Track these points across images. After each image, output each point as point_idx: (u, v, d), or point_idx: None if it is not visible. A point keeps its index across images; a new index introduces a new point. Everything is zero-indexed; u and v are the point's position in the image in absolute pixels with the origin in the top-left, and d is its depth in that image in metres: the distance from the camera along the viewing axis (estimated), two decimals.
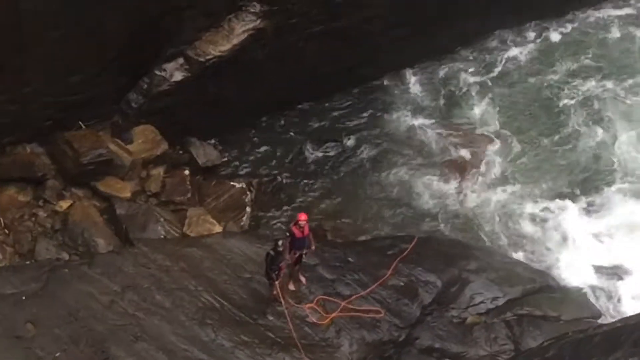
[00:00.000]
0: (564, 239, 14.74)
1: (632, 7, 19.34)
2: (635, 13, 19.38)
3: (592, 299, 13.88)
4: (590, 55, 17.95)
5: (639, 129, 16.49)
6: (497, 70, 17.51)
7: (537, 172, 15.45)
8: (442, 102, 16.72)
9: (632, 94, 17.08)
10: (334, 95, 16.35)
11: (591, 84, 17.17)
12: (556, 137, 16.17)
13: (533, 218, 14.94)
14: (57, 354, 11.13)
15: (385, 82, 16.75)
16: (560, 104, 16.72)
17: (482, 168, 15.56)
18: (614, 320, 12.67)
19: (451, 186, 15.35)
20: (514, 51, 17.91)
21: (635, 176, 16.01)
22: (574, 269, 14.30)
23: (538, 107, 16.78)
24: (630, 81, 17.36)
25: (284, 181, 15.15)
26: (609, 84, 17.24)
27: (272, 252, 11.46)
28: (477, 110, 16.58)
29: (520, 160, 15.76)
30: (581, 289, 14.05)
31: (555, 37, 18.21)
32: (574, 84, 17.16)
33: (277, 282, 11.73)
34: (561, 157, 15.92)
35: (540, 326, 12.98)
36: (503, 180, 15.40)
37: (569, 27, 18.96)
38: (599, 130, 16.26)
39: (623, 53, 18.02)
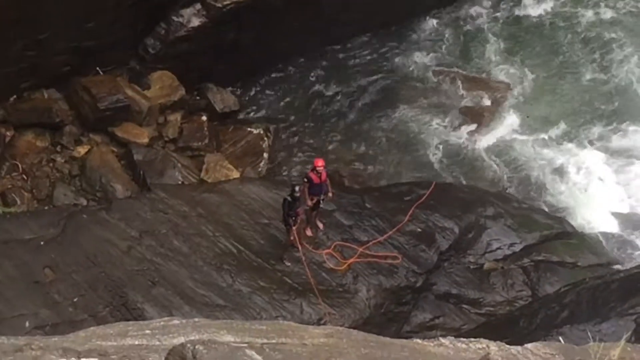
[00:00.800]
0: (582, 184, 14.43)
1: None
2: None
3: (609, 246, 13.56)
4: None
5: None
6: (515, 15, 16.89)
7: (555, 118, 15.03)
8: (459, 48, 16.31)
9: None
10: (352, 41, 15.98)
11: (610, 32, 16.57)
12: (574, 82, 15.75)
13: (550, 164, 14.52)
14: (75, 299, 11.13)
15: (402, 29, 16.32)
16: (579, 50, 16.21)
17: (499, 114, 15.18)
18: (630, 267, 12.54)
19: (468, 132, 14.96)
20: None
21: None
22: (591, 215, 14.02)
23: (556, 52, 16.26)
24: None
25: (302, 127, 14.90)
26: (627, 33, 16.62)
27: (289, 198, 11.26)
28: (494, 56, 16.13)
29: (538, 106, 15.38)
30: (598, 235, 13.75)
31: None
32: (594, 30, 16.60)
33: (294, 228, 11.53)
34: (579, 102, 15.52)
35: (558, 272, 12.72)
36: (520, 126, 14.94)
37: None
38: (619, 74, 15.73)
39: None
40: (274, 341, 4.36)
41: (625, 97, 15.50)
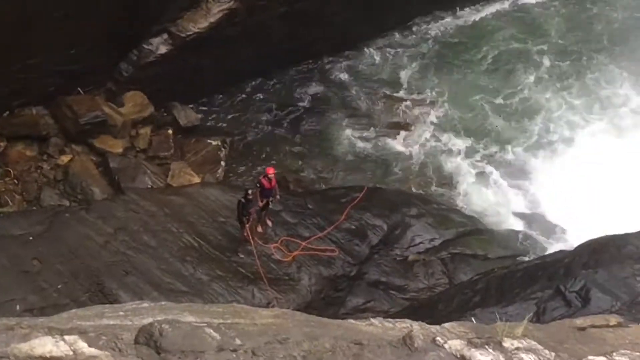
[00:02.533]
0: (493, 188, 15.03)
1: None
2: None
3: (515, 240, 14.11)
4: (520, 32, 17.82)
5: (565, 94, 16.44)
6: (437, 45, 17.55)
7: (467, 132, 15.57)
8: (389, 72, 16.71)
9: (562, 59, 17.04)
10: (299, 65, 16.31)
11: (522, 54, 17.21)
12: (485, 103, 16.31)
13: (466, 171, 15.11)
14: (59, 286, 11.44)
15: (342, 56, 16.68)
16: (491, 75, 16.81)
17: (421, 128, 15.69)
18: (531, 258, 13.26)
19: (396, 143, 15.41)
20: (450, 26, 17.76)
21: (555, 137, 15.85)
22: (500, 215, 14.66)
23: (472, 76, 16.80)
24: (563, 47, 17.37)
25: (254, 139, 15.18)
26: (539, 53, 17.22)
27: (243, 200, 11.76)
28: (419, 80, 16.58)
29: (455, 121, 15.87)
30: (506, 231, 14.37)
31: (487, 14, 18.07)
32: (504, 55, 17.25)
33: (247, 225, 12.02)
34: (493, 118, 16.03)
35: (470, 263, 13.31)
36: (439, 138, 15.53)
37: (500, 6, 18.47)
38: (518, 98, 16.37)
39: (555, 25, 17.86)
40: (229, 321, 4.56)
41: (533, 116, 16.05)
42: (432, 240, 13.39)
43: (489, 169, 15.14)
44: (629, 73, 16.72)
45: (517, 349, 4.57)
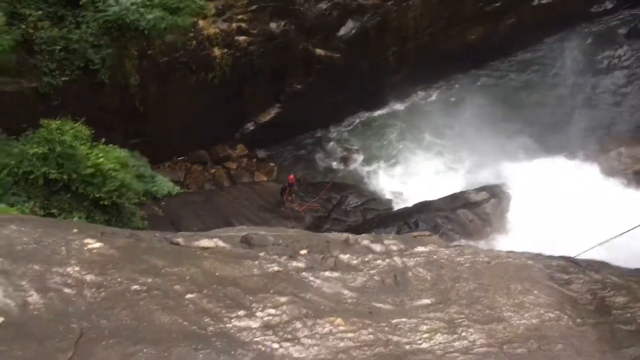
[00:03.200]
0: (385, 182, 20.46)
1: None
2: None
3: (389, 202, 19.30)
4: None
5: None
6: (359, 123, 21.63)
7: (375, 160, 20.97)
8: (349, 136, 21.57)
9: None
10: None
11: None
12: (385, 154, 20.98)
13: (375, 175, 20.68)
14: (211, 220, 16.16)
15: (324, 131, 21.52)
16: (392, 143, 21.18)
17: (355, 161, 21.15)
18: (394, 210, 18.52)
19: (344, 163, 21.12)
20: (400, 106, 22.12)
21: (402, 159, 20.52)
22: (388, 193, 19.99)
23: (379, 144, 21.24)
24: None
25: (288, 165, 20.14)
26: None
27: (282, 186, 17.98)
28: (359, 141, 21.42)
29: (371, 157, 21.12)
30: (385, 199, 19.50)
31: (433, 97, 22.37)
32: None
33: (284, 197, 17.92)
34: (394, 159, 20.89)
35: (372, 211, 18.71)
36: (364, 164, 21.02)
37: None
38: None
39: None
40: (276, 233, 6.45)
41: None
42: (357, 203, 19.01)
43: (383, 175, 20.52)
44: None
45: (389, 243, 6.86)
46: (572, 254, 9.47)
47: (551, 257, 7.87)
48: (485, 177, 18.63)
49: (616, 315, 6.30)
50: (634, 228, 9.28)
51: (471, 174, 19.72)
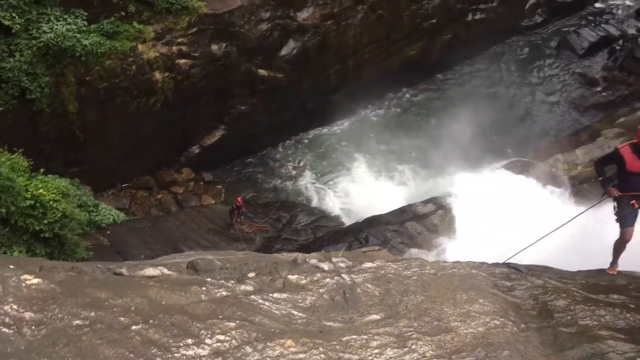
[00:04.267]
0: (334, 198, 20.55)
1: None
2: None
3: (338, 218, 19.14)
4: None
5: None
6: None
7: (324, 177, 21.01)
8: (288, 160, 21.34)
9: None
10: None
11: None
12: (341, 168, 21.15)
13: (324, 192, 20.73)
14: (159, 247, 15.39)
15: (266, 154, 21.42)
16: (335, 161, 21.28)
17: (303, 179, 21.14)
18: (345, 226, 18.17)
19: (291, 182, 21.00)
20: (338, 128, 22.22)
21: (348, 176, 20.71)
22: (337, 210, 19.97)
23: (323, 161, 21.34)
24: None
25: (236, 186, 19.97)
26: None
27: (230, 209, 17.47)
28: (307, 159, 21.47)
29: (319, 174, 21.17)
30: (335, 215, 19.39)
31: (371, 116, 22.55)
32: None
33: (233, 220, 17.45)
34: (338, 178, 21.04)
35: (322, 229, 18.18)
36: (312, 181, 20.97)
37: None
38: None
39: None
40: (225, 257, 6.61)
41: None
42: (307, 221, 18.62)
43: (328, 193, 20.69)
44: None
45: (337, 261, 6.93)
46: (516, 259, 9.86)
47: (495, 265, 8.09)
48: (432, 188, 18.91)
49: (558, 319, 6.47)
50: (557, 229, 9.57)
51: (419, 186, 19.97)
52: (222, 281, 6.19)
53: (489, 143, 20.36)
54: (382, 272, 6.99)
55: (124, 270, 6.11)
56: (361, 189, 20.27)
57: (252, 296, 6.17)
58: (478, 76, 23.82)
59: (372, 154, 21.24)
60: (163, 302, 5.52)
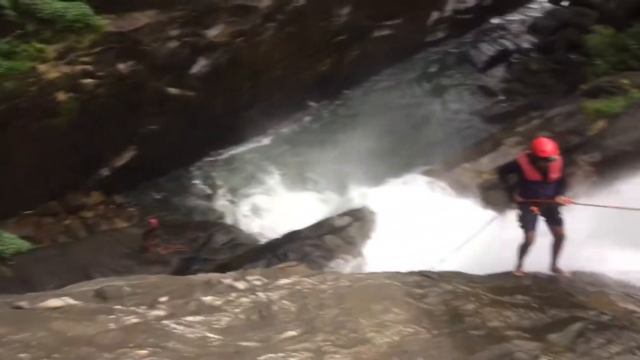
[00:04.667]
0: (252, 215, 20.13)
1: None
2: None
3: (255, 237, 18.29)
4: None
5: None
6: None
7: (241, 194, 20.61)
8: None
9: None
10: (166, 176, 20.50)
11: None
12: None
13: (241, 209, 20.20)
14: (64, 275, 13.98)
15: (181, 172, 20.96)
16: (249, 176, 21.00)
17: (220, 198, 20.79)
18: (262, 243, 17.44)
19: (207, 201, 20.60)
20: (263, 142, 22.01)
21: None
22: (256, 227, 19.34)
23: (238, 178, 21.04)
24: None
25: (147, 208, 19.54)
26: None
27: (144, 231, 16.73)
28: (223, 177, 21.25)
29: (236, 192, 20.76)
30: (258, 232, 18.74)
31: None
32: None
33: (147, 243, 16.70)
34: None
35: (240, 247, 17.36)
36: (229, 199, 20.56)
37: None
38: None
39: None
40: (137, 282, 6.39)
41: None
42: (225, 240, 17.91)
43: (247, 210, 20.20)
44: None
45: (252, 279, 7.03)
46: (431, 266, 10.15)
47: (408, 274, 8.26)
48: (348, 201, 19.12)
49: (468, 322, 6.69)
50: (473, 236, 9.99)
51: (335, 199, 19.91)
52: (133, 308, 6.01)
53: (400, 155, 20.74)
54: (298, 287, 6.98)
55: (24, 303, 5.86)
56: (279, 205, 19.99)
57: (165, 321, 6.01)
58: (387, 90, 24.34)
59: (288, 169, 21.19)
60: (68, 334, 5.28)
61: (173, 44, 19.74)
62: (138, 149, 20.42)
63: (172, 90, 20.28)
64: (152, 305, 6.26)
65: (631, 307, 7.07)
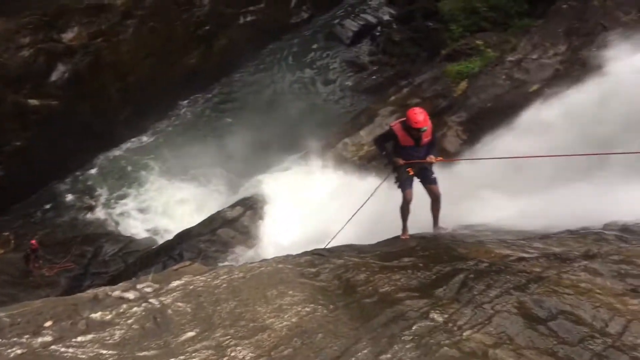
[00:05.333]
0: (140, 220, 19.84)
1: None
2: None
3: (156, 240, 18.39)
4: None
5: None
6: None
7: (126, 200, 20.45)
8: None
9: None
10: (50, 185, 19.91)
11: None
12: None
13: (128, 215, 20.03)
14: None
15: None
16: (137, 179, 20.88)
17: (103, 207, 20.52)
18: (157, 245, 17.60)
19: (89, 213, 20.08)
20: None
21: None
22: (145, 231, 19.38)
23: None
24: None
25: (25, 232, 18.74)
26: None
27: (25, 254, 16.60)
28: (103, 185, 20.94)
29: (120, 198, 20.53)
30: (149, 237, 18.70)
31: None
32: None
33: (29, 266, 16.74)
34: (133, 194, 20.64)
35: (135, 254, 17.50)
36: (113, 207, 20.40)
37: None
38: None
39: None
40: (18, 311, 5.94)
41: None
42: (115, 250, 17.89)
43: (134, 215, 20.02)
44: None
45: (142, 287, 6.56)
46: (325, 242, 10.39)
47: (300, 255, 8.36)
48: (238, 192, 19.03)
49: (361, 292, 6.91)
50: (360, 207, 10.39)
51: (225, 192, 20.03)
52: (15, 338, 5.62)
53: (282, 139, 20.82)
54: (191, 287, 6.84)
55: None
56: (167, 204, 20.00)
57: (53, 346, 5.71)
58: (260, 76, 24.60)
59: (172, 166, 20.94)
60: None
61: (26, 53, 18.81)
62: (3, 168, 19.39)
63: (33, 102, 19.35)
64: (37, 332, 5.87)
65: (506, 252, 7.51)
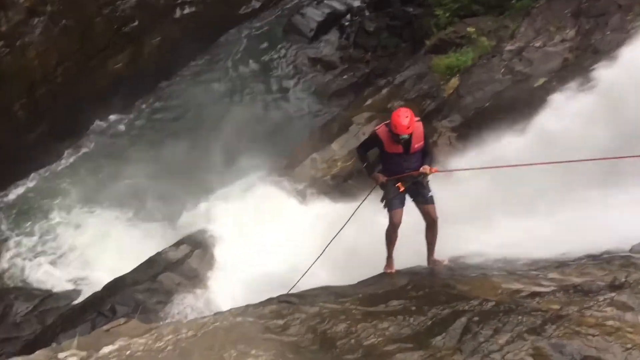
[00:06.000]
0: (57, 269, 19.18)
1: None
2: None
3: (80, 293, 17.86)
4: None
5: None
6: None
7: (37, 247, 19.95)
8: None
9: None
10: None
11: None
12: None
13: (41, 265, 19.38)
14: None
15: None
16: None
17: (8, 257, 19.75)
18: (86, 297, 16.77)
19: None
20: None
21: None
22: (66, 282, 18.64)
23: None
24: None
25: None
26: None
27: None
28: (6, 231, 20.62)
29: (29, 245, 20.00)
30: (72, 289, 17.97)
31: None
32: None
33: None
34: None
35: (54, 313, 17.06)
36: (21, 256, 19.67)
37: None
38: None
39: None
40: None
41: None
42: (28, 308, 17.43)
43: (51, 262, 19.44)
44: None
45: (65, 356, 6.51)
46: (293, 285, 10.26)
47: (263, 303, 8.32)
48: (181, 221, 19.13)
49: (341, 347, 6.89)
50: (334, 237, 10.36)
51: (165, 226, 19.78)
52: None
53: (236, 157, 20.55)
54: (128, 352, 6.79)
55: None
56: (91, 245, 19.24)
57: None
58: (206, 77, 24.67)
59: (94, 197, 20.68)
60: None
61: None
62: None
63: None
64: None
65: (515, 286, 7.56)
